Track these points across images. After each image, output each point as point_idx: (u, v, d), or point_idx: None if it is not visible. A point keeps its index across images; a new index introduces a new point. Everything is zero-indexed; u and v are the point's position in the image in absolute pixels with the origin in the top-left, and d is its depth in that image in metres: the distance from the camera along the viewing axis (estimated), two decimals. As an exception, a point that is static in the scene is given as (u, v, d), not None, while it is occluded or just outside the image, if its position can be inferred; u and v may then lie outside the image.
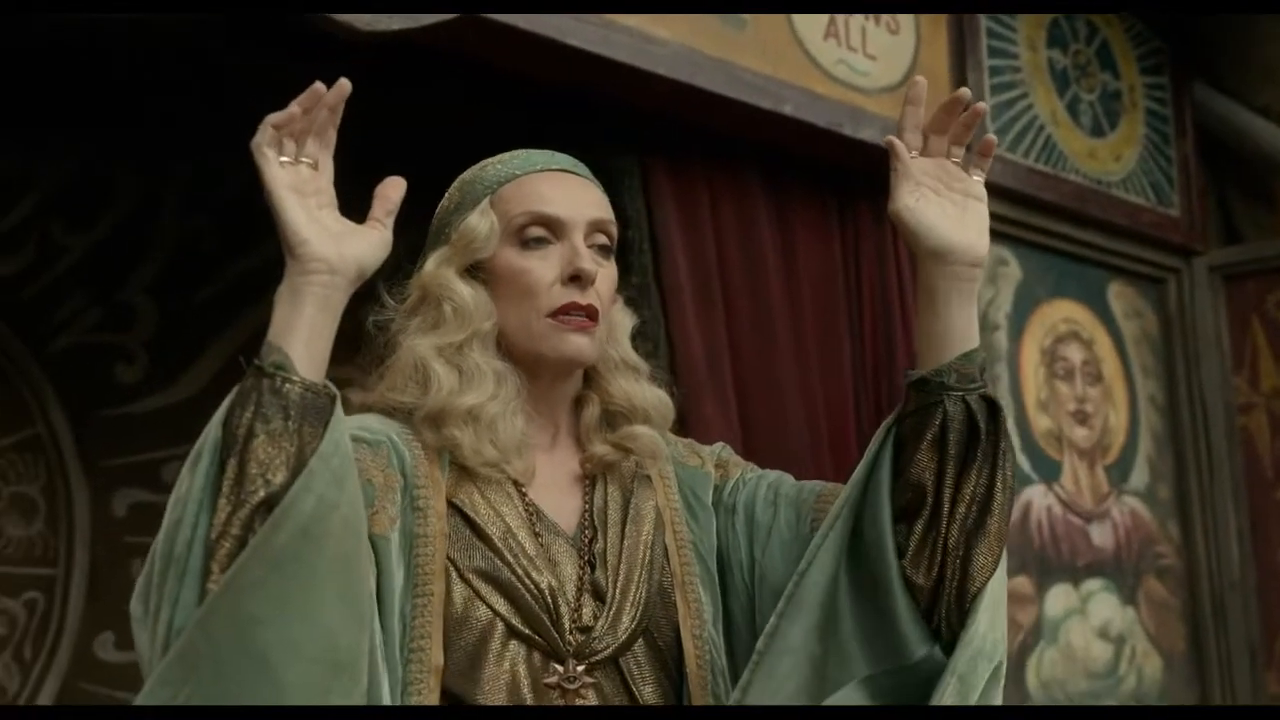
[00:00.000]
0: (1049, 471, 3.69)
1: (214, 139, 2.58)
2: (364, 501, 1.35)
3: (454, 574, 1.43)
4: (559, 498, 1.53)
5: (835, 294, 3.21)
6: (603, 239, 1.56)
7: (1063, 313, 3.81)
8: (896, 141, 1.47)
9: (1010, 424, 3.52)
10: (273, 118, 1.31)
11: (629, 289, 2.74)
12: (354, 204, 1.37)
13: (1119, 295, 4.00)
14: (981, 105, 1.47)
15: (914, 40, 3.36)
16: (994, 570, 1.41)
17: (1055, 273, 3.81)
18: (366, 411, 1.52)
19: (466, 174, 1.60)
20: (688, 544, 1.55)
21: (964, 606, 1.41)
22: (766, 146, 3.10)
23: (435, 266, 1.54)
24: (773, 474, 1.62)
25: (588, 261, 1.51)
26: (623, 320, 1.61)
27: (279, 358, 1.27)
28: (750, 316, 3.01)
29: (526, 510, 1.49)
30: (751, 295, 3.02)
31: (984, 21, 3.62)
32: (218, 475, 1.24)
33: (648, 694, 1.48)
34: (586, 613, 1.46)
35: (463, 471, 1.48)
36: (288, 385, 1.26)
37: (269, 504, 1.23)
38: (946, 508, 1.41)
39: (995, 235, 1.50)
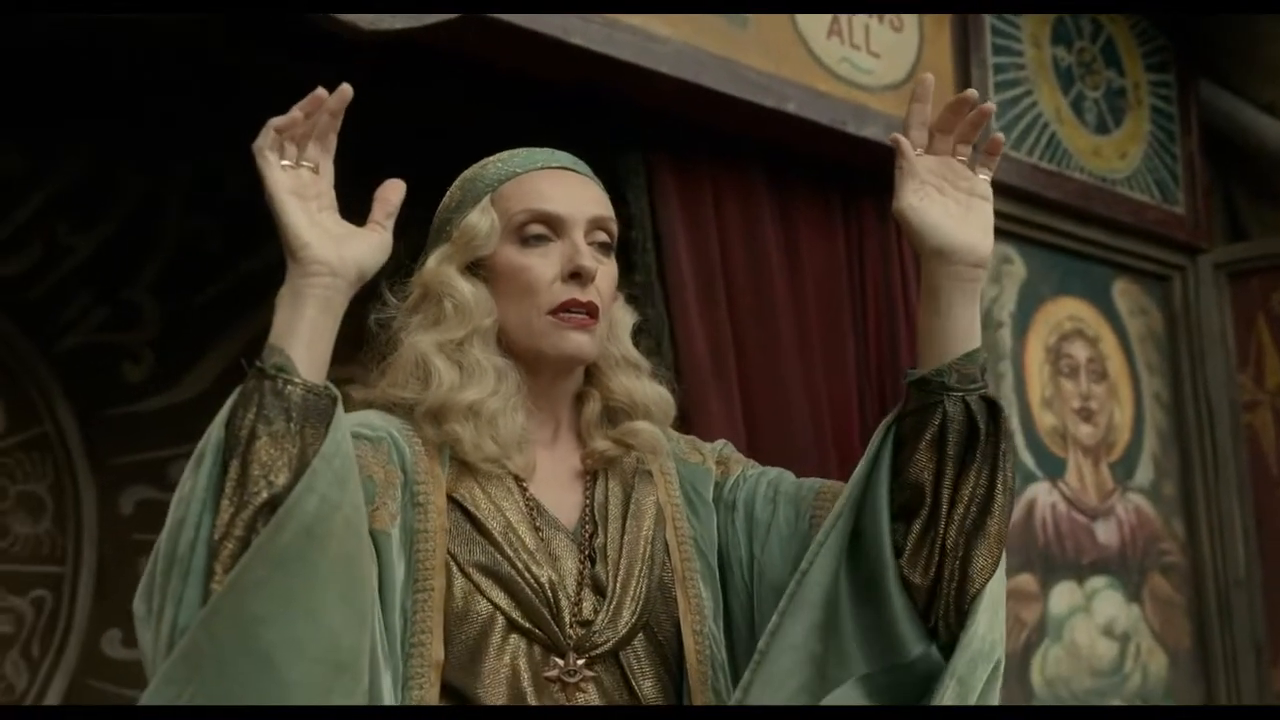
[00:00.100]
0: (1053, 469, 3.69)
1: (218, 139, 2.59)
2: (365, 498, 1.35)
3: (454, 568, 1.44)
4: (560, 493, 1.53)
5: (839, 291, 3.21)
6: (603, 236, 1.56)
7: (1067, 310, 3.81)
8: (902, 139, 1.46)
9: (1015, 421, 3.58)
10: (275, 122, 1.32)
11: (633, 287, 2.77)
12: (354, 206, 1.37)
13: (1124, 293, 4.00)
14: (989, 105, 1.47)
15: (917, 38, 3.35)
16: (994, 572, 1.41)
17: (1060, 270, 3.80)
18: (368, 408, 1.52)
19: (468, 172, 1.61)
20: (688, 539, 1.56)
21: (963, 607, 1.41)
22: (770, 144, 3.10)
23: (436, 264, 1.55)
24: (773, 471, 1.62)
25: (588, 259, 1.52)
26: (623, 317, 1.62)
27: (281, 360, 1.28)
28: (754, 314, 3.02)
29: (527, 505, 1.49)
30: (755, 293, 3.03)
31: (988, 19, 3.61)
32: (220, 476, 1.25)
33: (647, 688, 1.48)
34: (587, 607, 1.46)
35: (463, 467, 1.48)
36: (290, 387, 1.27)
37: (272, 505, 1.24)
38: (945, 508, 1.41)
39: (999, 233, 1.50)
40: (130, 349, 3.85)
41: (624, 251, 2.82)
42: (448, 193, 1.61)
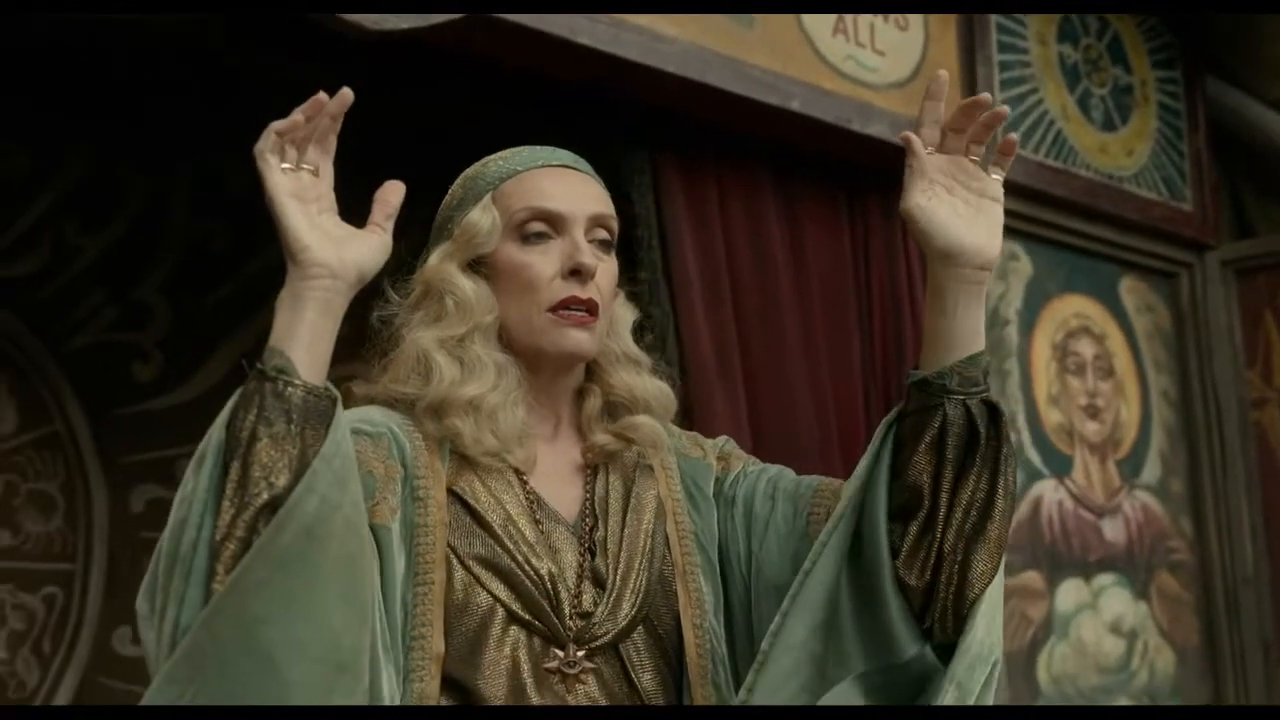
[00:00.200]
0: (1060, 466, 3.69)
1: (219, 140, 2.60)
2: (365, 493, 1.36)
3: (454, 561, 1.44)
4: (560, 486, 1.54)
5: (845, 289, 3.21)
6: (603, 234, 1.57)
7: (1074, 308, 3.81)
8: (913, 136, 1.45)
9: (1021, 418, 3.57)
10: (277, 125, 1.32)
11: (639, 285, 2.77)
12: (354, 208, 1.38)
13: (1131, 290, 3.99)
14: (1004, 109, 1.45)
15: (923, 36, 3.35)
16: (993, 577, 1.41)
17: (1066, 268, 3.80)
18: (369, 403, 1.53)
19: (469, 170, 1.62)
20: (689, 534, 1.57)
21: (961, 612, 1.41)
22: (776, 143, 3.10)
23: (438, 261, 1.56)
24: (774, 468, 1.63)
25: (588, 256, 1.52)
26: (624, 314, 1.62)
27: (281, 362, 1.29)
28: (760, 312, 3.02)
29: (527, 498, 1.50)
30: (761, 291, 3.03)
31: (994, 16, 3.61)
32: (221, 477, 1.26)
33: (646, 681, 1.49)
34: (587, 599, 1.47)
35: (464, 461, 1.49)
36: (290, 389, 1.28)
37: (272, 506, 1.25)
38: (943, 512, 1.41)
39: (1006, 230, 1.47)
40: (140, 348, 3.87)
41: (630, 250, 2.85)
42: (450, 191, 1.62)
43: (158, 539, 1.29)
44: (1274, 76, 4.06)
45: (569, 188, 1.57)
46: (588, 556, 1.50)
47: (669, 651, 1.51)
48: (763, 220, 3.07)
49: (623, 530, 1.52)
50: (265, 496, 1.25)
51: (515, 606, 1.44)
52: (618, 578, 1.49)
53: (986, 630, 1.41)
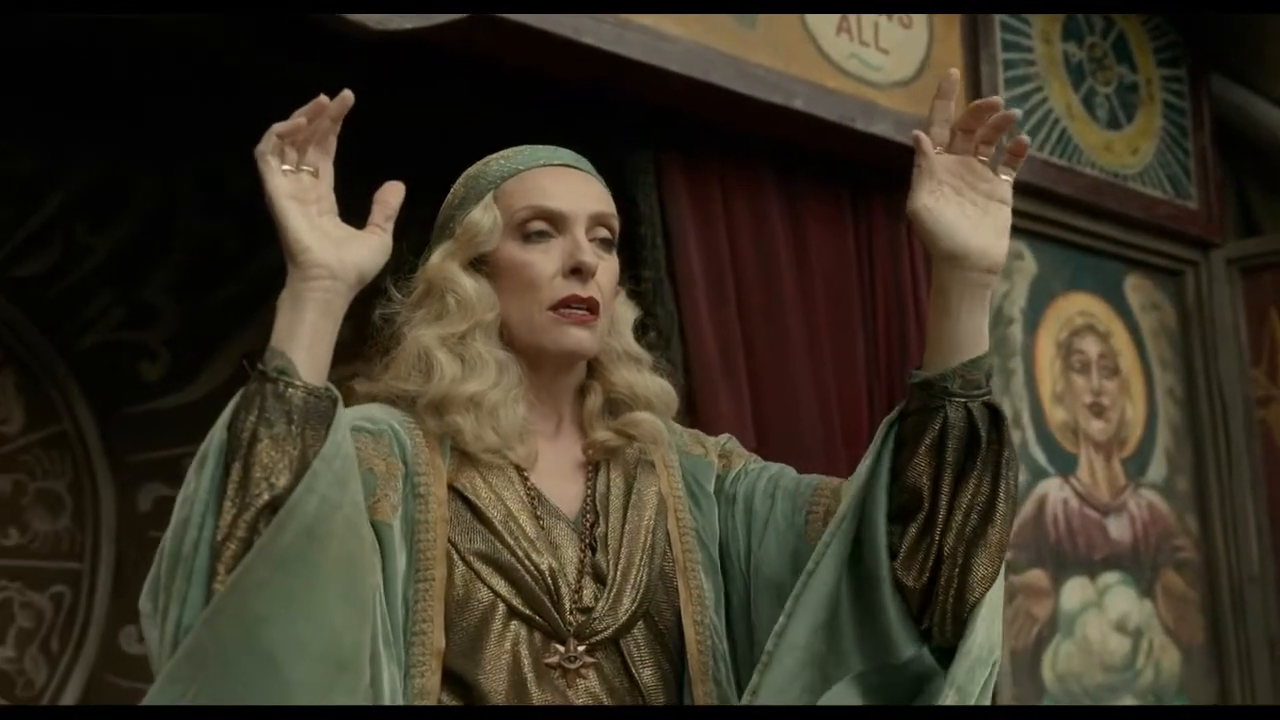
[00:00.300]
0: (1065, 464, 3.69)
1: (219, 140, 2.61)
2: (367, 490, 1.37)
3: (455, 557, 1.45)
4: (561, 483, 1.55)
5: (848, 288, 3.21)
6: (604, 232, 1.58)
7: (1079, 306, 3.81)
8: (922, 136, 1.44)
9: (1026, 417, 3.57)
10: (278, 127, 1.33)
11: (643, 284, 2.78)
12: (354, 209, 1.39)
13: (1136, 288, 3.99)
14: (1014, 112, 1.44)
15: (927, 34, 3.35)
16: (994, 581, 1.41)
17: (1071, 266, 3.80)
18: (371, 401, 1.54)
19: (471, 169, 1.63)
20: (690, 530, 1.57)
21: (961, 616, 1.41)
22: (779, 142, 3.11)
23: (440, 260, 1.56)
24: (775, 466, 1.63)
25: (588, 254, 1.53)
26: (625, 312, 1.63)
27: (282, 363, 1.30)
28: (764, 311, 3.03)
29: (528, 494, 1.51)
30: (765, 290, 3.04)
31: (998, 15, 3.61)
32: (223, 478, 1.27)
33: (646, 676, 1.49)
34: (587, 594, 1.48)
35: (464, 457, 1.50)
36: (290, 390, 1.29)
37: (273, 506, 1.25)
38: (942, 514, 1.41)
39: (1011, 229, 1.46)
40: (147, 348, 3.88)
41: (634, 248, 2.86)
42: (451, 190, 1.63)
43: (164, 538, 1.30)
44: (1279, 74, 4.06)
45: (570, 186, 1.57)
46: (588, 552, 1.50)
47: (670, 647, 1.52)
48: (767, 219, 3.08)
49: (623, 526, 1.53)
50: (266, 497, 1.25)
51: (516, 602, 1.45)
52: (618, 573, 1.49)
53: (986, 634, 1.41)
